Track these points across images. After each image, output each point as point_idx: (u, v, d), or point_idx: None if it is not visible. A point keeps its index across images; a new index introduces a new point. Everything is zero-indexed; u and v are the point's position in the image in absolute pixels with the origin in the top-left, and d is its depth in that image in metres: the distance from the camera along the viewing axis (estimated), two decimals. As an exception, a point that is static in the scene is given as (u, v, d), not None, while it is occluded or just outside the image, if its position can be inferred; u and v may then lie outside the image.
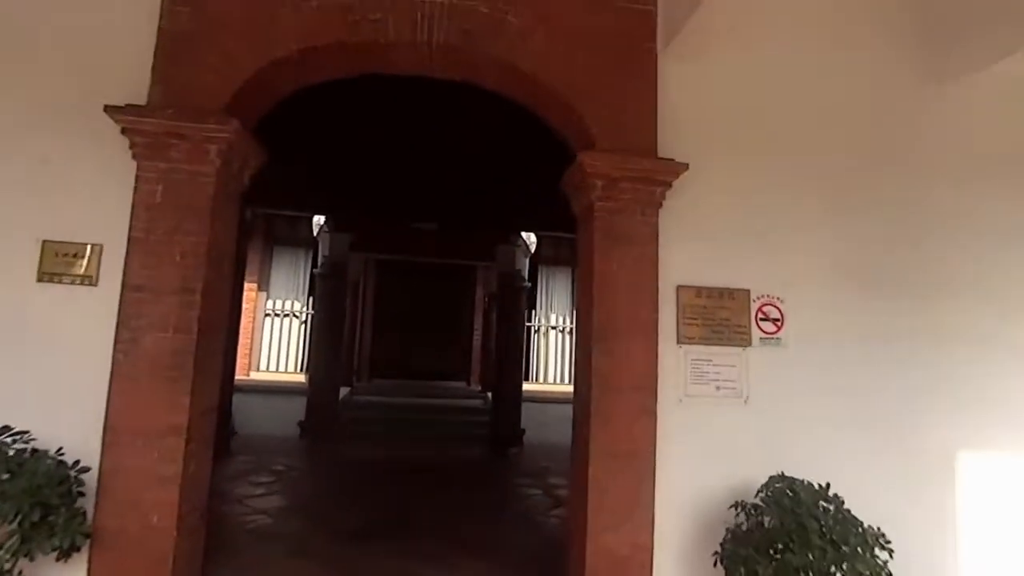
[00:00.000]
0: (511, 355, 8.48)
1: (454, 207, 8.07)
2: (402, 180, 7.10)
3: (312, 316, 10.69)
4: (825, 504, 2.51)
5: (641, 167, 3.03)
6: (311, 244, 11.13)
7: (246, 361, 11.89)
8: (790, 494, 2.56)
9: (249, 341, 11.95)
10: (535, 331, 12.83)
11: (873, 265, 3.32)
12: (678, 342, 3.08)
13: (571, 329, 13.04)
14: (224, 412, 7.80)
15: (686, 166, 3.05)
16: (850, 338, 3.24)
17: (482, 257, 9.58)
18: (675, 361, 3.06)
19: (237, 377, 11.57)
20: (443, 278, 12.58)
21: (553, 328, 12.93)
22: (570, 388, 11.77)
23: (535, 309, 12.80)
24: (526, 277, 9.12)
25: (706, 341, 3.11)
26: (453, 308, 12.98)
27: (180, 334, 2.66)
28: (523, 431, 8.70)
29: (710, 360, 3.10)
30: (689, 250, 3.15)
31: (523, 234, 8.80)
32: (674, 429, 3.00)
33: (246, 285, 12.02)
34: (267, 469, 6.63)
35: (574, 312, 11.52)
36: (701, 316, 3.11)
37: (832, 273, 3.28)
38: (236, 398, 9.44)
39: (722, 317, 3.14)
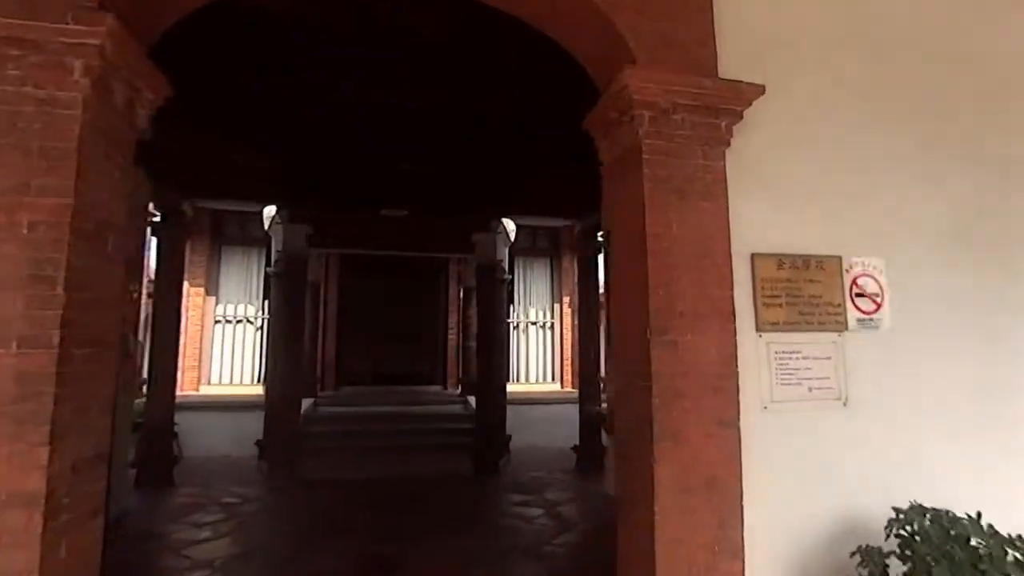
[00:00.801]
0: (494, 355, 7.61)
1: (426, 190, 7.15)
2: (365, 160, 6.14)
3: (268, 321, 9.57)
4: (1013, 552, 1.75)
5: (700, 90, 2.22)
6: (264, 243, 10.02)
7: (195, 374, 10.67)
8: (952, 536, 1.79)
9: (198, 352, 10.74)
10: (513, 327, 11.99)
11: (988, 223, 2.59)
12: (757, 329, 2.29)
13: (551, 324, 12.25)
14: (166, 435, 6.69)
15: (761, 89, 2.26)
16: (964, 315, 2.51)
17: (458, 248, 8.67)
18: (755, 355, 2.27)
19: (183, 393, 10.37)
20: (414, 273, 11.60)
21: (532, 324, 12.10)
22: (553, 387, 10.98)
23: (513, 304, 11.97)
24: (507, 269, 8.27)
25: (792, 327, 2.32)
26: (426, 306, 12.01)
27: (31, 349, 1.70)
28: (509, 437, 7.85)
29: (798, 352, 2.32)
30: (764, 206, 2.36)
31: (503, 221, 7.92)
32: (760, 446, 2.20)
33: (192, 289, 10.81)
34: (217, 503, 5.59)
35: (606, 291, 10.65)
36: (785, 293, 2.32)
37: (939, 233, 2.54)
38: (182, 417, 8.33)
39: (810, 294, 2.35)
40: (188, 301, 10.78)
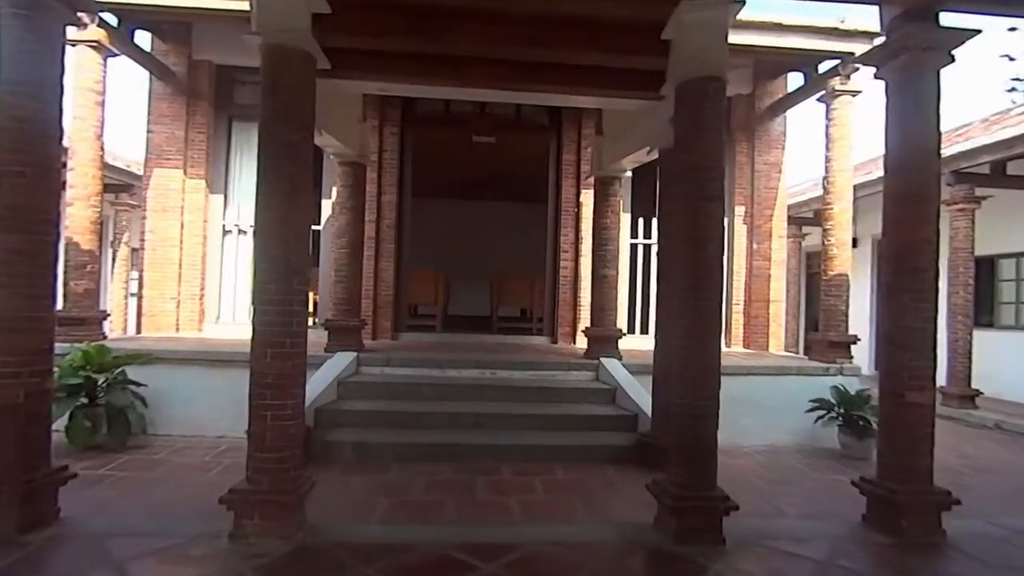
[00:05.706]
0: (706, 283, 3.47)
1: None
2: None
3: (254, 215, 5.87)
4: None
5: None
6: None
7: (196, 308, 7.34)
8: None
9: (200, 276, 7.36)
10: (636, 250, 7.81)
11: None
12: None
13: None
14: (37, 421, 3.18)
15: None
16: None
17: (621, 69, 4.46)
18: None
19: (177, 335, 7.05)
20: (512, 148, 7.50)
21: (689, 247, 7.77)
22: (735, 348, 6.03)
23: (633, 214, 7.74)
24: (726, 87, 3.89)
25: None
26: (525, 210, 7.92)
27: None
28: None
29: None
30: None
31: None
32: None
33: (188, 183, 7.33)
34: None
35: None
36: None
37: None
38: (160, 375, 5.10)
39: None
40: (184, 200, 7.33)
